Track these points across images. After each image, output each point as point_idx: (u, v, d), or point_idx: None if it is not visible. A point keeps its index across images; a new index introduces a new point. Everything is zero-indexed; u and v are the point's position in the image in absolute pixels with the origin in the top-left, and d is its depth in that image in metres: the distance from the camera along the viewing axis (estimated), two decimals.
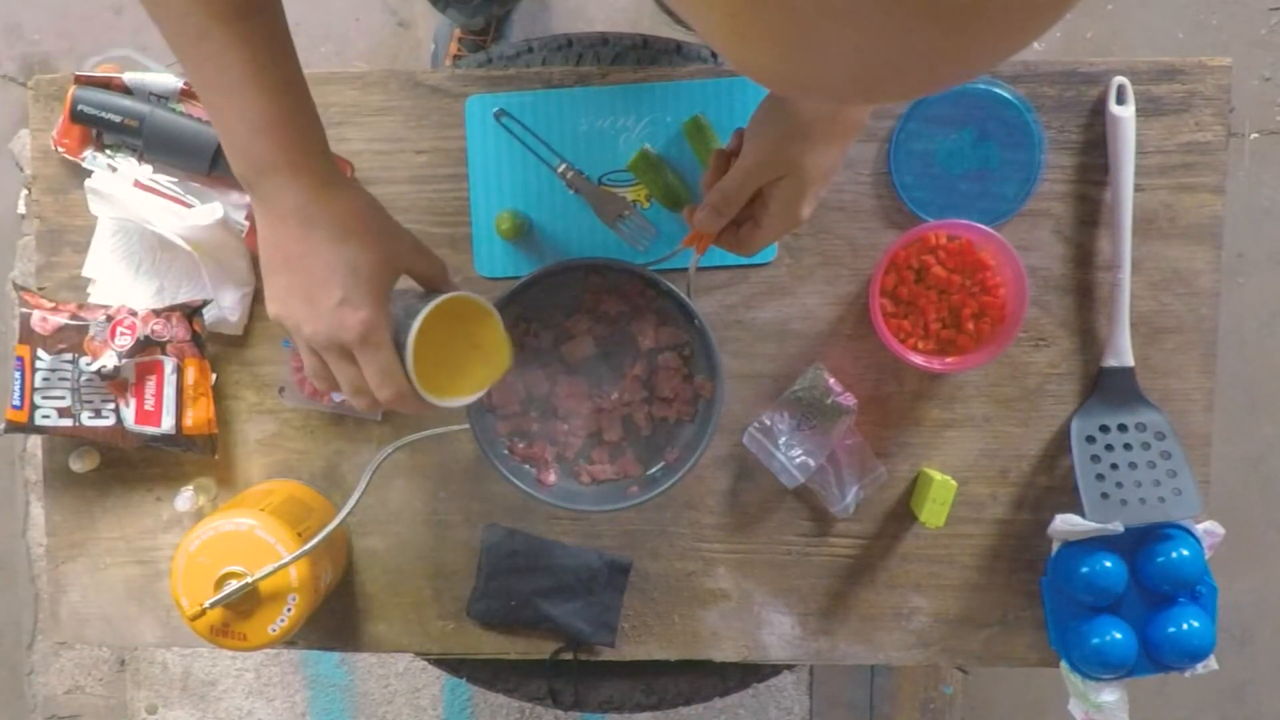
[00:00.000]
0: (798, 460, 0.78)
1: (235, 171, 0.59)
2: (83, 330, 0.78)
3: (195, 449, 0.81)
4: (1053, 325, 0.82)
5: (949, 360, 0.79)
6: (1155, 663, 0.79)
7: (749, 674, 0.93)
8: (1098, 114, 0.80)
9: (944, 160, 0.80)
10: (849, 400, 0.79)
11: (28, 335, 0.78)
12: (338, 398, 0.81)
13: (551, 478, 0.79)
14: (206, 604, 0.71)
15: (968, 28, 0.24)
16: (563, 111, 0.81)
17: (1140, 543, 0.79)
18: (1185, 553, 0.77)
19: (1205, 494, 0.81)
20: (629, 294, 0.78)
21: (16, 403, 0.79)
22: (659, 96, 0.81)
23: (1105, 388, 0.81)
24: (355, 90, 0.82)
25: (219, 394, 0.83)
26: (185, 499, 0.83)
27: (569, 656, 0.85)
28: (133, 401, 0.79)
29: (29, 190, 1.24)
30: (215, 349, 0.83)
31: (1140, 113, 0.79)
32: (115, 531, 0.85)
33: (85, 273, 0.82)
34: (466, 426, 0.75)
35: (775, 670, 0.93)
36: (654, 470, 0.79)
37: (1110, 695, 0.79)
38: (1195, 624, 0.77)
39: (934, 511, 0.78)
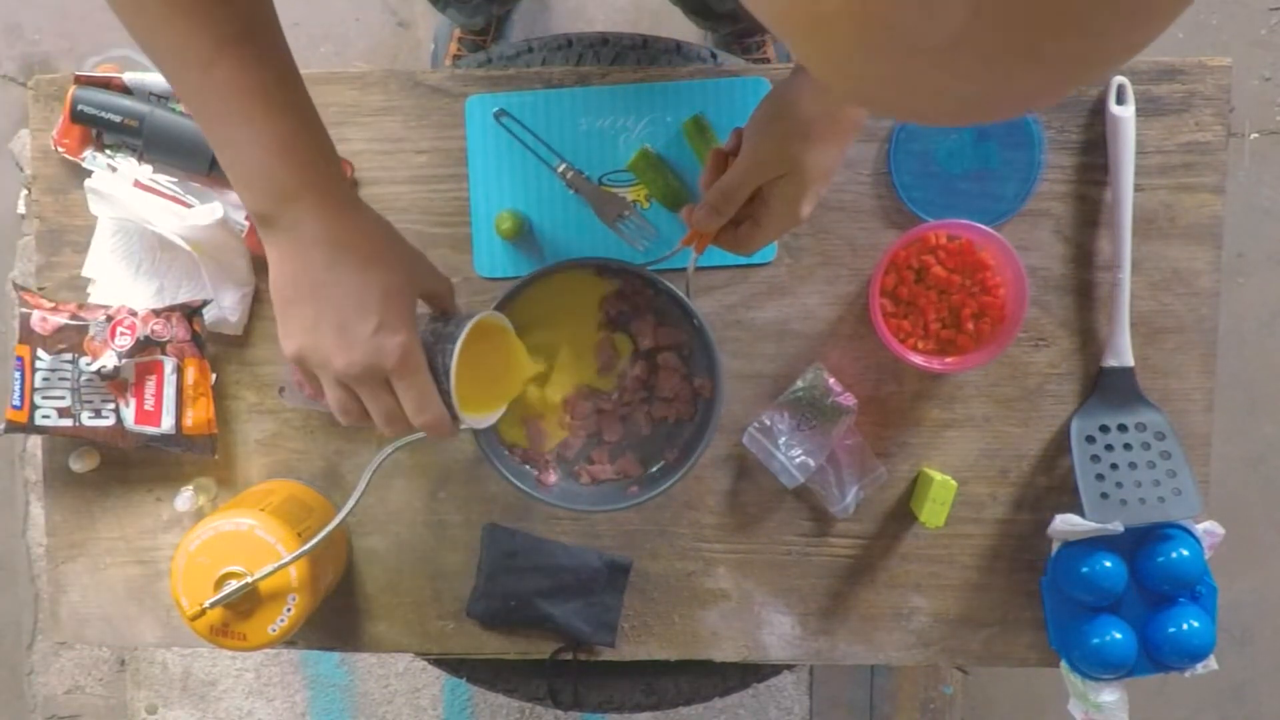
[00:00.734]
0: (798, 460, 0.78)
1: (251, 205, 0.56)
2: (83, 330, 0.78)
3: (195, 449, 0.81)
4: (1053, 325, 0.82)
5: (949, 360, 0.79)
6: (1155, 663, 0.79)
7: (749, 674, 0.93)
8: (1098, 114, 0.80)
9: (944, 160, 0.80)
10: (849, 400, 0.79)
11: (28, 335, 0.78)
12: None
13: (551, 478, 0.79)
14: (206, 604, 0.71)
15: (1069, 69, 0.25)
16: (563, 111, 0.81)
17: (1140, 543, 0.79)
18: (1185, 553, 0.77)
19: (1205, 494, 0.81)
20: (628, 294, 0.78)
21: (16, 403, 0.79)
22: (659, 96, 0.80)
23: (1105, 388, 0.81)
24: (355, 90, 0.82)
25: (219, 394, 0.83)
26: (185, 499, 0.83)
27: (569, 656, 0.85)
28: (133, 401, 0.79)
29: (29, 190, 1.24)
30: (215, 349, 0.83)
31: (1140, 113, 0.79)
32: (115, 531, 0.85)
33: (85, 273, 0.82)
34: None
35: (775, 670, 0.93)
36: (654, 470, 0.79)
37: (1110, 695, 0.79)
38: (1195, 624, 0.77)
39: (934, 511, 0.78)
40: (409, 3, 1.60)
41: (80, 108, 0.79)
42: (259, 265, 0.83)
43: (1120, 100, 0.79)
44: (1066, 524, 0.78)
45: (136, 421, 0.79)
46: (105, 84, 0.80)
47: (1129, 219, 0.79)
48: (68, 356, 0.78)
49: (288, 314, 0.57)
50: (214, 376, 0.82)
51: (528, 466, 0.79)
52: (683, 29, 1.48)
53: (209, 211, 0.79)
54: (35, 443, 1.57)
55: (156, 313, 0.79)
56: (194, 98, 0.55)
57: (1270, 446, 1.60)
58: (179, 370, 0.79)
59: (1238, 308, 1.57)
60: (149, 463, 0.84)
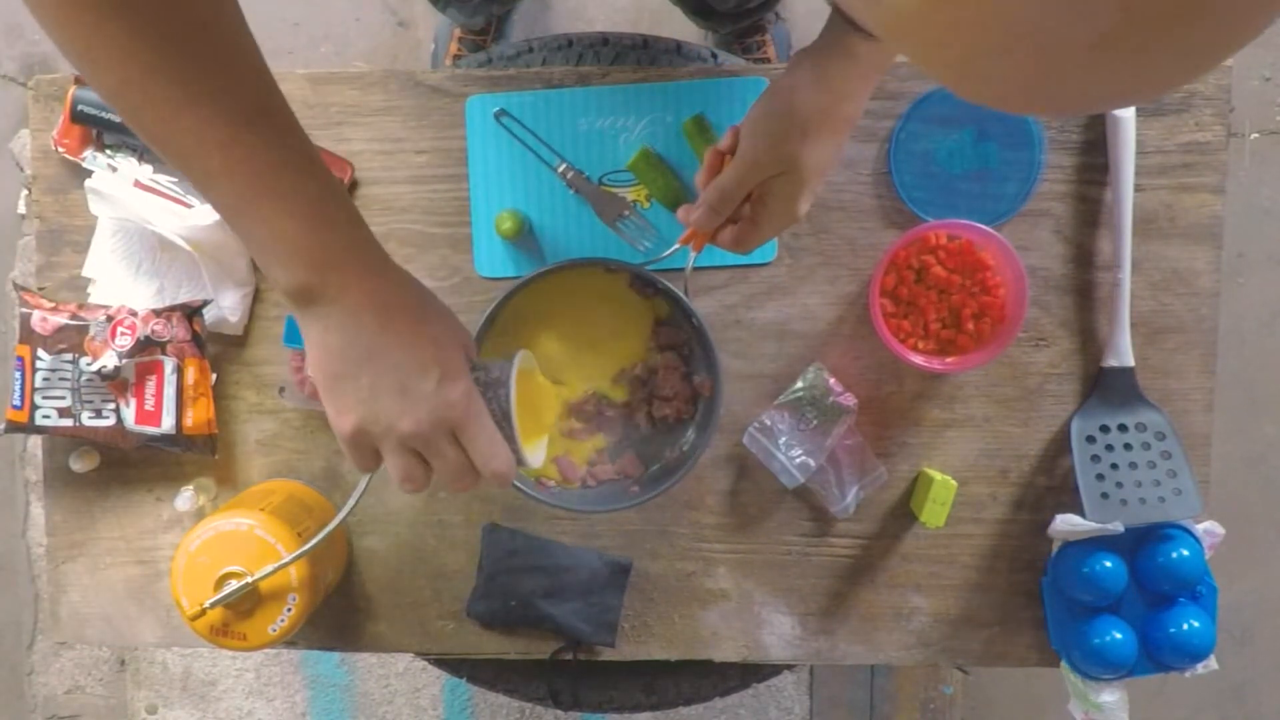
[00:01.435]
0: (798, 460, 0.78)
1: (289, 283, 0.53)
2: (83, 330, 0.78)
3: (195, 449, 0.81)
4: (1053, 325, 0.82)
5: (949, 360, 0.79)
6: (1155, 663, 0.79)
7: (749, 674, 0.93)
8: (1097, 115, 0.80)
9: (944, 160, 0.80)
10: (849, 400, 0.79)
11: (28, 335, 0.78)
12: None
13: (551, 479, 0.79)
14: (206, 604, 0.71)
15: (1206, 57, 0.25)
16: (563, 111, 0.81)
17: (1140, 543, 0.79)
18: (1185, 553, 0.77)
19: (1205, 494, 0.81)
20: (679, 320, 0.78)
21: (17, 403, 0.79)
22: (659, 96, 0.80)
23: (1105, 388, 0.81)
24: (355, 90, 0.82)
25: (219, 394, 0.83)
26: (185, 499, 0.83)
27: (569, 656, 0.85)
28: (133, 401, 0.79)
29: (29, 190, 1.24)
30: (215, 349, 0.83)
31: (1140, 113, 0.79)
32: (115, 531, 0.85)
33: (85, 273, 0.82)
34: None
35: (775, 670, 0.93)
36: (654, 470, 0.79)
37: (1110, 695, 0.79)
38: (1195, 624, 0.77)
39: (934, 511, 0.78)
40: (409, 3, 1.60)
41: (80, 108, 0.79)
42: (258, 265, 0.83)
43: None
44: (1066, 524, 0.78)
45: (137, 421, 0.79)
46: None
47: (1129, 219, 0.79)
48: (68, 356, 0.78)
49: (339, 389, 0.55)
50: (214, 376, 0.82)
51: None
52: (683, 29, 1.48)
53: (209, 211, 0.79)
54: (35, 443, 1.57)
55: (156, 313, 0.79)
56: (218, 182, 0.52)
57: (1270, 446, 1.59)
58: (179, 370, 0.79)
59: (1238, 308, 1.57)
60: (149, 463, 0.84)
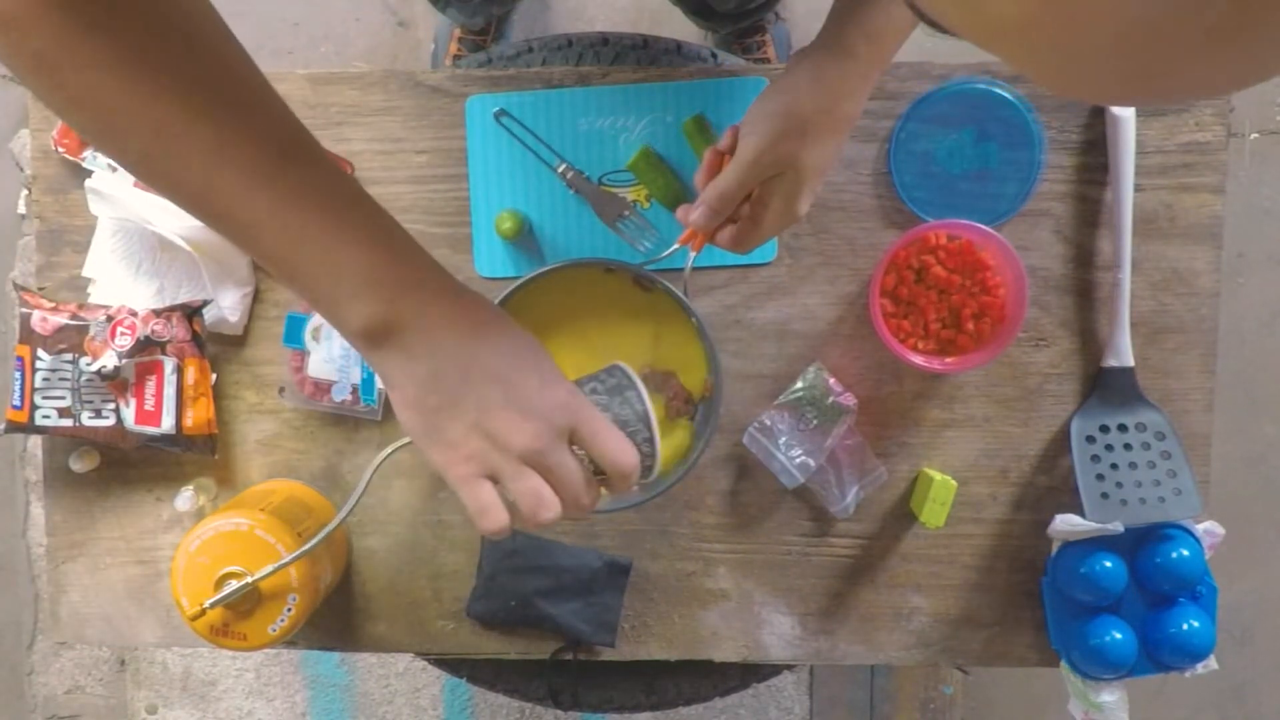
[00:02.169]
0: (798, 460, 0.78)
1: (363, 318, 0.49)
2: (83, 330, 0.78)
3: (195, 449, 0.81)
4: (1053, 325, 0.82)
5: (949, 360, 0.79)
6: (1155, 663, 0.79)
7: (749, 674, 0.93)
8: (1098, 114, 0.80)
9: (944, 160, 0.80)
10: (849, 400, 0.79)
11: (28, 335, 0.78)
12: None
13: None
14: (206, 604, 0.71)
15: None
16: (563, 111, 0.81)
17: (1140, 543, 0.79)
18: (1185, 553, 0.77)
19: (1205, 494, 0.81)
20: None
21: (16, 403, 0.79)
22: (659, 96, 0.81)
23: (1105, 388, 0.81)
24: (355, 90, 0.82)
25: (219, 394, 0.83)
26: (185, 499, 0.83)
27: (569, 656, 0.85)
28: (133, 401, 0.79)
29: (29, 190, 1.24)
30: (215, 349, 0.83)
31: (1140, 113, 0.79)
32: (115, 531, 0.85)
33: (85, 273, 0.82)
34: None
35: (775, 670, 0.93)
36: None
37: (1110, 695, 0.79)
38: (1195, 624, 0.77)
39: (934, 511, 0.78)
40: (409, 3, 1.60)
41: None
42: (259, 265, 0.83)
43: None
44: (1066, 524, 0.78)
45: (136, 421, 0.79)
46: None
47: (1129, 219, 0.79)
48: (68, 356, 0.78)
49: (441, 425, 0.50)
50: (214, 376, 0.82)
51: None
52: (683, 29, 1.48)
53: None
54: (35, 443, 1.57)
55: (156, 313, 0.79)
56: (266, 230, 0.48)
57: (1270, 446, 1.59)
58: (179, 370, 0.79)
59: (1238, 308, 1.57)
60: (149, 463, 0.84)
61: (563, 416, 0.51)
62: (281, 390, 0.83)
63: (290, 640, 0.78)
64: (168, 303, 0.81)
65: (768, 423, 0.80)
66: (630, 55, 0.90)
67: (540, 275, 0.74)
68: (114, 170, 0.81)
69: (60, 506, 0.86)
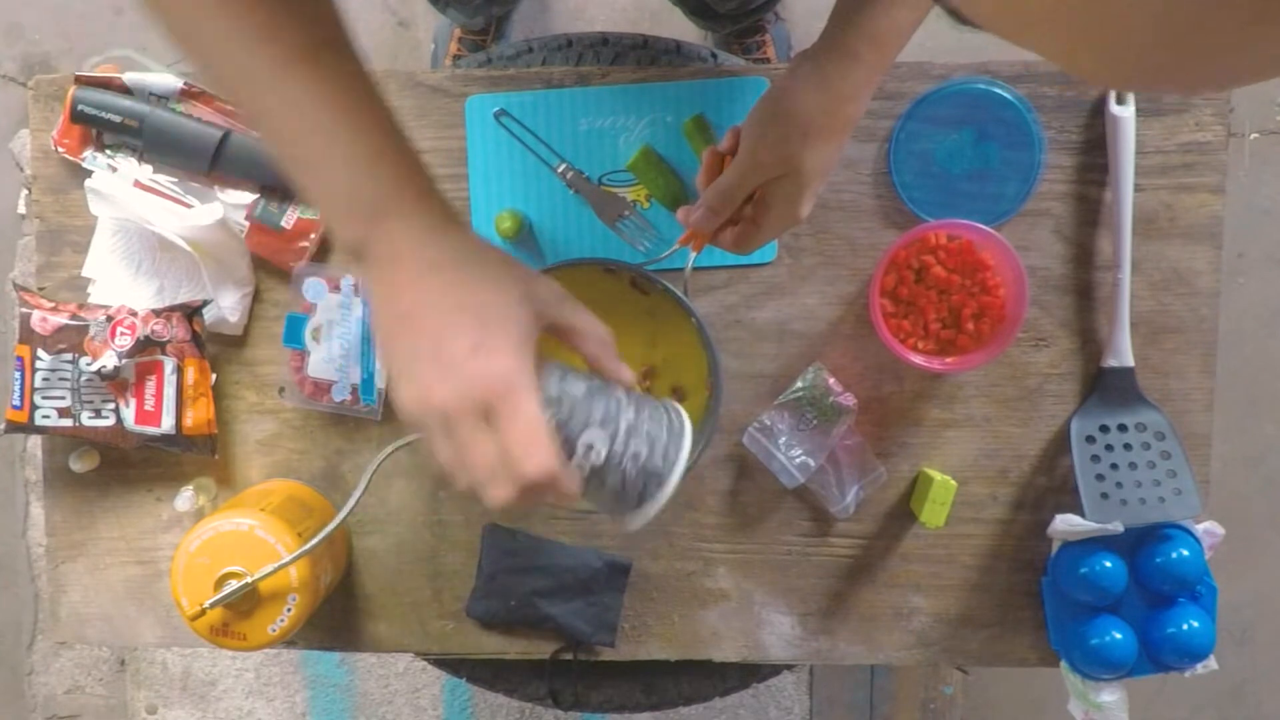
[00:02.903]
0: (798, 460, 0.78)
1: (342, 236, 0.51)
2: (83, 330, 0.78)
3: (195, 449, 0.81)
4: (1053, 325, 0.82)
5: (949, 360, 0.79)
6: (1155, 663, 0.79)
7: (749, 674, 0.93)
8: (1098, 114, 0.80)
9: (944, 160, 0.80)
10: (849, 400, 0.79)
11: (28, 335, 0.78)
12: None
13: None
14: (206, 604, 0.71)
15: None
16: (563, 111, 0.81)
17: (1140, 543, 0.79)
18: (1185, 553, 0.77)
19: (1205, 494, 0.81)
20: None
21: (16, 403, 0.79)
22: (659, 96, 0.80)
23: (1105, 388, 0.81)
24: None
25: (219, 394, 0.83)
26: (185, 499, 0.83)
27: (569, 656, 0.85)
28: (133, 401, 0.79)
29: (29, 190, 1.24)
30: (215, 349, 0.83)
31: (1140, 113, 0.79)
32: (115, 531, 0.85)
33: (85, 273, 0.82)
34: None
35: (775, 670, 0.93)
36: None
37: (1110, 695, 0.79)
38: (1195, 624, 0.77)
39: (934, 511, 0.78)
40: (409, 3, 1.59)
41: (80, 108, 0.79)
42: (259, 265, 0.83)
43: (1120, 100, 0.79)
44: (1066, 524, 0.78)
45: (136, 421, 0.79)
46: (105, 84, 0.80)
47: (1129, 219, 0.79)
48: (68, 356, 0.78)
49: (391, 356, 0.50)
50: (214, 376, 0.82)
51: None
52: (683, 29, 1.48)
53: (209, 211, 0.79)
54: (35, 443, 1.57)
55: (156, 313, 0.79)
56: (263, 117, 0.50)
57: (1270, 446, 1.59)
58: (179, 370, 0.79)
59: (1238, 308, 1.57)
60: (149, 463, 0.84)
61: (480, 390, 0.47)
62: (281, 390, 0.83)
63: (290, 640, 0.78)
64: (168, 303, 0.81)
65: (768, 423, 0.80)
66: (630, 55, 0.90)
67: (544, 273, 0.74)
68: (114, 170, 0.81)
69: (60, 506, 0.86)
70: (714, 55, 0.92)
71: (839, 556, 0.84)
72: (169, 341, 0.78)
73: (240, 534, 0.72)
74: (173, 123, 0.79)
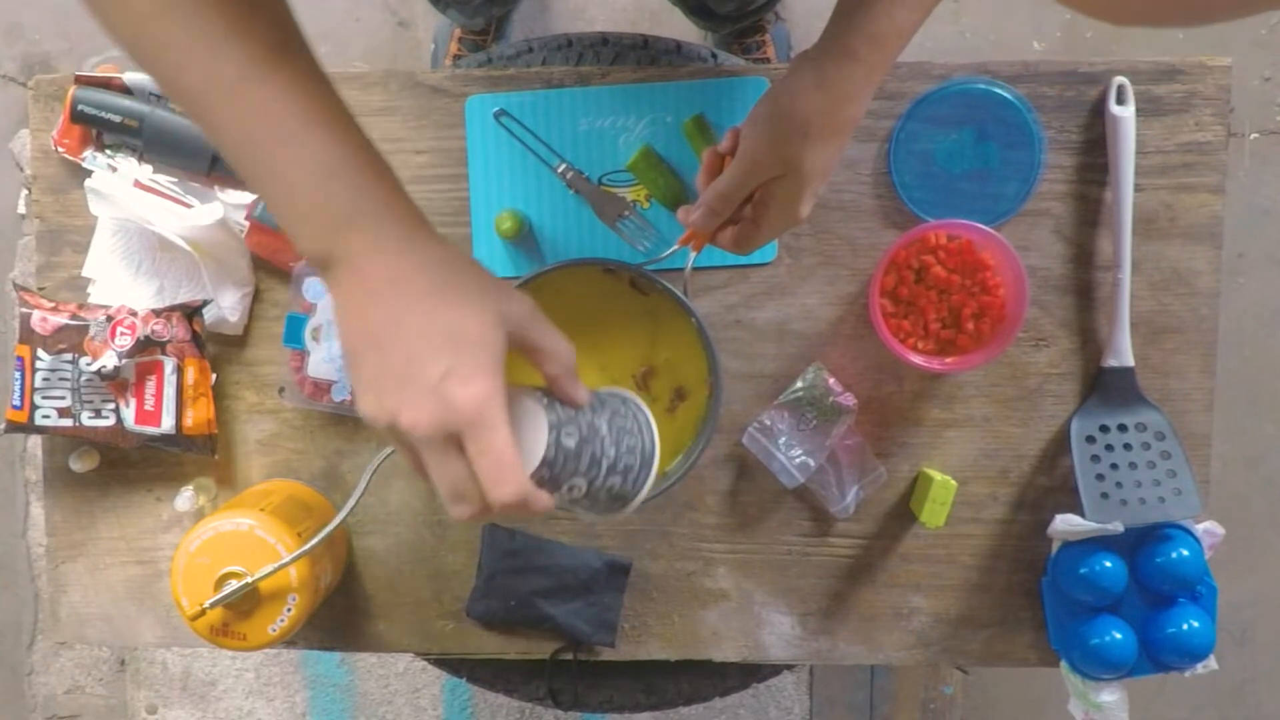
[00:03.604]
0: (798, 460, 0.78)
1: (307, 247, 0.49)
2: (83, 330, 0.78)
3: (195, 449, 0.81)
4: (1053, 325, 0.82)
5: (949, 360, 0.79)
6: (1155, 663, 0.79)
7: (749, 674, 0.93)
8: (1098, 114, 0.80)
9: (944, 160, 0.80)
10: (849, 400, 0.79)
11: (28, 335, 0.78)
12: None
13: None
14: (206, 604, 0.71)
15: None
16: (563, 111, 0.81)
17: (1140, 543, 0.79)
18: (1185, 553, 0.77)
19: (1205, 494, 0.81)
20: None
21: (16, 403, 0.79)
22: (659, 96, 0.81)
23: (1105, 388, 0.81)
24: (355, 90, 0.82)
25: (219, 394, 0.83)
26: (185, 499, 0.83)
27: (569, 656, 0.85)
28: (133, 401, 0.79)
29: (29, 190, 1.23)
30: (215, 349, 0.83)
31: (1140, 113, 0.79)
32: (115, 531, 0.85)
33: (85, 273, 0.82)
34: None
35: (775, 670, 0.93)
36: None
37: (1110, 695, 0.79)
38: (1195, 624, 0.77)
39: (934, 511, 0.78)
40: (409, 3, 1.60)
41: (80, 108, 0.79)
42: (259, 265, 0.83)
43: (1120, 100, 0.79)
44: (1066, 524, 0.78)
45: (136, 421, 0.79)
46: (105, 84, 0.80)
47: (1129, 219, 0.79)
48: (68, 356, 0.78)
49: (355, 371, 0.49)
50: (214, 376, 0.82)
51: None
52: (683, 29, 1.48)
53: (209, 211, 0.79)
54: (35, 443, 1.57)
55: (156, 313, 0.79)
56: (224, 125, 0.48)
57: (1270, 446, 1.59)
58: (179, 370, 0.79)
59: (1238, 308, 1.57)
60: (149, 463, 0.84)
61: (452, 417, 0.46)
62: (281, 390, 0.83)
63: (290, 640, 0.78)
64: (168, 303, 0.81)
65: (768, 423, 0.80)
66: (630, 55, 0.90)
67: (539, 275, 0.74)
68: (114, 170, 0.81)
69: (60, 506, 0.86)
70: (714, 55, 0.92)
71: (839, 556, 0.84)
72: (169, 341, 0.78)
73: (240, 534, 0.72)
74: (173, 123, 0.79)
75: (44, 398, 0.79)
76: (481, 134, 0.81)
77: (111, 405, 0.79)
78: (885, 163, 0.81)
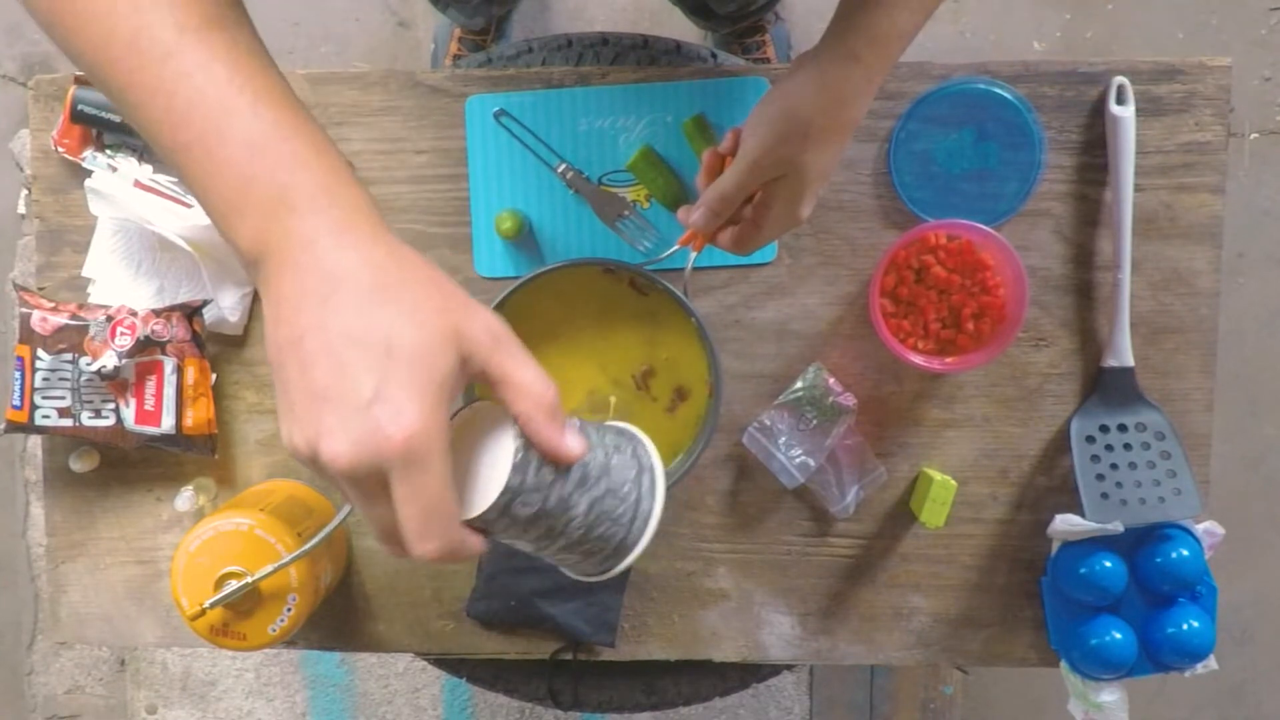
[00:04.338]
0: (798, 460, 0.79)
1: (236, 240, 0.42)
2: (83, 330, 0.78)
3: (195, 449, 0.81)
4: (1053, 325, 0.82)
5: (949, 360, 0.79)
6: (1155, 663, 0.79)
7: (749, 674, 0.93)
8: (1098, 114, 0.80)
9: (944, 160, 0.80)
10: (849, 400, 0.79)
11: (28, 335, 0.78)
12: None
13: None
14: (206, 604, 0.71)
15: None
16: (563, 111, 0.81)
17: (1140, 543, 0.79)
18: (1185, 553, 0.77)
19: (1205, 494, 0.81)
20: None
21: (16, 403, 0.79)
22: (659, 96, 0.81)
23: (1105, 388, 0.81)
24: (355, 90, 0.82)
25: (219, 394, 0.83)
26: (185, 499, 0.83)
27: (569, 656, 0.85)
28: (133, 401, 0.79)
29: (29, 190, 1.23)
30: (215, 349, 0.83)
31: (1140, 113, 0.79)
32: (115, 531, 0.85)
33: (85, 273, 0.82)
34: None
35: (775, 670, 0.93)
36: None
37: (1110, 695, 0.79)
38: (1195, 624, 0.77)
39: (934, 511, 0.78)
40: (409, 3, 1.60)
41: (80, 108, 0.79)
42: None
43: (1120, 100, 0.79)
44: (1066, 524, 0.78)
45: (136, 421, 0.79)
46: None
47: (1129, 219, 0.79)
48: (68, 356, 0.78)
49: (277, 390, 0.42)
50: (214, 376, 0.82)
51: None
52: (683, 29, 1.48)
53: None
54: (35, 443, 1.57)
55: (156, 313, 0.79)
56: (148, 100, 0.42)
57: (1270, 446, 1.59)
58: (179, 370, 0.79)
59: (1238, 308, 1.57)
60: (149, 463, 0.84)
61: (375, 452, 0.38)
62: None
63: (290, 640, 0.78)
64: (168, 303, 0.81)
65: (768, 423, 0.80)
66: (630, 55, 0.90)
67: (539, 275, 0.74)
68: (114, 170, 0.81)
69: (60, 506, 0.86)
70: (714, 55, 0.92)
71: (839, 556, 0.84)
72: (169, 341, 0.78)
73: (240, 534, 0.72)
74: None
75: (44, 398, 0.79)
76: (481, 134, 0.81)
77: (111, 405, 0.79)
78: (885, 163, 0.81)
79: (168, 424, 0.79)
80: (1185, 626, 0.77)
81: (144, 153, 0.81)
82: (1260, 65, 1.57)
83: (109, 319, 0.78)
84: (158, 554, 0.85)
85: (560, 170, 0.80)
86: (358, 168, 0.82)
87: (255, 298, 0.83)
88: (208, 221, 0.78)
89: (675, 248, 0.72)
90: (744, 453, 0.82)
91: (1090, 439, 0.81)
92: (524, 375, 0.43)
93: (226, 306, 0.81)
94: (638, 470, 0.48)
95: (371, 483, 0.39)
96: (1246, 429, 1.59)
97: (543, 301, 0.77)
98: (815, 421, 0.79)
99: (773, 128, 0.62)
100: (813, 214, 0.65)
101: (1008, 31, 1.57)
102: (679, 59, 0.91)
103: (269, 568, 0.71)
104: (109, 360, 0.77)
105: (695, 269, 0.74)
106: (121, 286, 0.82)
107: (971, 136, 0.80)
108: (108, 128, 0.79)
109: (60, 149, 0.81)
